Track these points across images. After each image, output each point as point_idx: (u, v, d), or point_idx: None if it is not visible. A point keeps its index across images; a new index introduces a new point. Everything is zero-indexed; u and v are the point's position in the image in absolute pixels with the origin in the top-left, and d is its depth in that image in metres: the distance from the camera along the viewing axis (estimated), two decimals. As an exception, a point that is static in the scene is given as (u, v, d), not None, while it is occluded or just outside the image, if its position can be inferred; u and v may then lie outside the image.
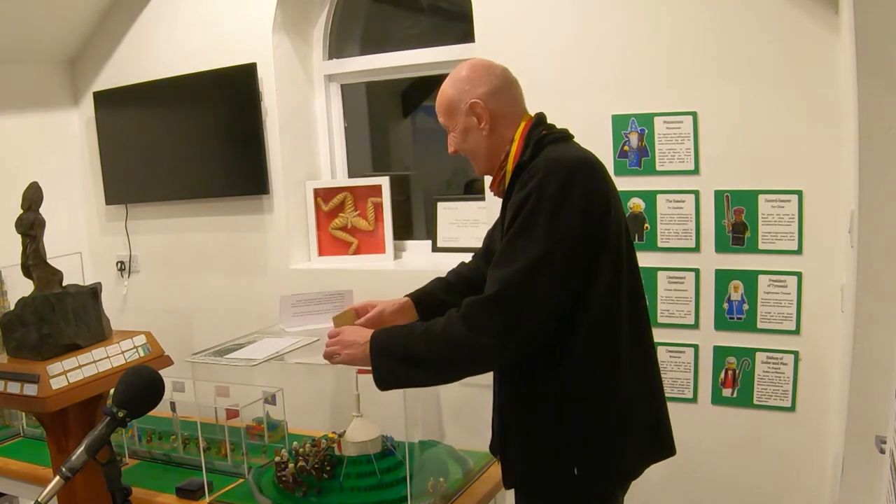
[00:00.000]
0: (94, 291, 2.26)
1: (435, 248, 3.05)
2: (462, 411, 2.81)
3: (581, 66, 2.46)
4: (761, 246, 2.29)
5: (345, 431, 2.20)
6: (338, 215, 3.17)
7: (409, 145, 3.73)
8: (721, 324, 2.37)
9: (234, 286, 3.28)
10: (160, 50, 3.29)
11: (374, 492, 2.09)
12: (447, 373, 1.63)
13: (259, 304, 3.10)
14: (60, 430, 2.12)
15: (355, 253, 3.15)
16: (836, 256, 2.18)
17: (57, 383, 2.04)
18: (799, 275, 2.25)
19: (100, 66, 3.49)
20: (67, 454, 1.39)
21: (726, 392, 2.39)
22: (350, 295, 2.29)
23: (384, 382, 1.63)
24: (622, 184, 2.37)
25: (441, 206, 3.05)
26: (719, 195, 2.33)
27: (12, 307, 2.18)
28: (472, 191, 3.22)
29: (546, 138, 1.62)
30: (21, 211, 2.18)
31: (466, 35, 2.78)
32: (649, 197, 2.42)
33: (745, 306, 2.32)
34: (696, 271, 2.38)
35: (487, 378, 1.76)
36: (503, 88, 1.67)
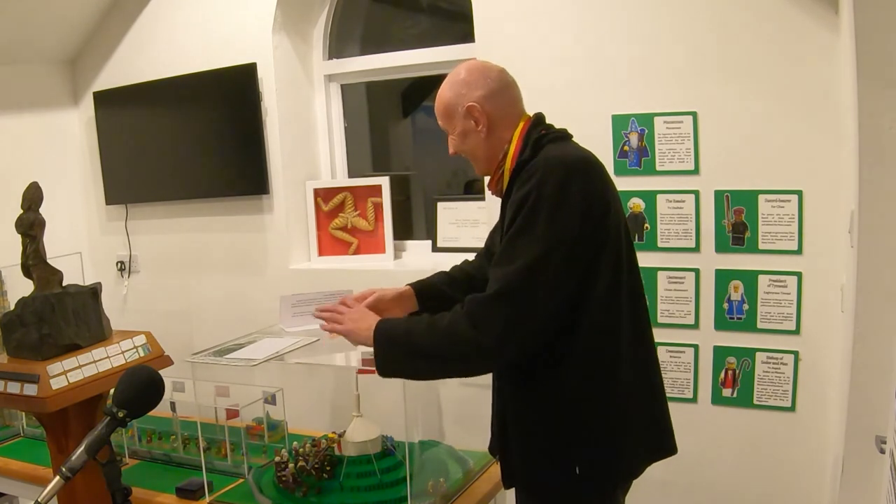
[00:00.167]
0: (94, 291, 2.26)
1: (435, 249, 3.05)
2: (462, 411, 2.81)
3: (581, 66, 2.46)
4: (761, 246, 2.29)
5: (345, 431, 2.20)
6: (338, 215, 3.17)
7: (409, 145, 3.73)
8: (721, 324, 2.37)
9: (234, 286, 3.28)
10: (160, 50, 3.29)
11: (374, 492, 2.09)
12: (448, 367, 1.63)
13: (259, 304, 3.10)
14: (60, 430, 2.12)
15: (355, 253, 3.15)
16: (836, 256, 2.18)
17: (57, 383, 2.04)
18: (799, 275, 2.25)
19: (100, 66, 3.49)
20: (67, 454, 1.39)
21: (726, 392, 2.39)
22: (350, 295, 2.28)
23: (385, 370, 1.64)
24: (622, 184, 2.37)
25: (441, 206, 3.05)
26: (719, 195, 2.33)
27: (12, 307, 2.18)
28: (472, 191, 3.23)
29: (545, 137, 1.63)
30: (21, 211, 2.18)
31: (466, 35, 2.78)
32: (649, 197, 2.42)
33: (745, 306, 2.32)
34: (696, 271, 2.38)
35: (487, 378, 1.76)
36: (500, 90, 1.68)
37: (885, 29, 1.59)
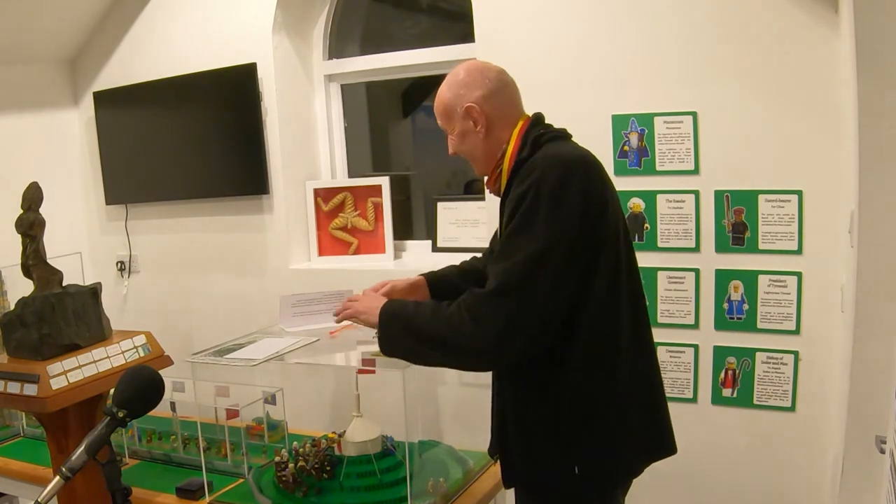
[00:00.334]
0: (94, 291, 2.27)
1: (435, 248, 3.05)
2: (462, 411, 2.81)
3: (581, 66, 2.46)
4: (761, 246, 2.29)
5: (345, 431, 2.20)
6: (338, 215, 3.17)
7: (409, 145, 3.73)
8: (721, 324, 2.37)
9: (234, 286, 3.28)
10: (160, 50, 3.29)
11: (374, 492, 2.09)
12: (446, 356, 1.61)
13: (259, 304, 3.10)
14: (60, 430, 2.13)
15: (355, 253, 3.15)
16: (836, 256, 2.18)
17: (57, 383, 2.04)
18: (799, 275, 2.25)
19: (100, 66, 3.49)
20: (67, 454, 1.39)
21: (726, 392, 2.39)
22: (350, 295, 2.28)
23: (386, 348, 1.67)
24: (622, 184, 2.38)
25: (441, 206, 3.05)
26: (719, 195, 2.33)
27: (12, 307, 2.19)
28: (472, 191, 3.23)
29: (543, 137, 1.63)
30: (21, 211, 2.18)
31: (466, 35, 2.78)
32: (649, 197, 2.42)
33: (745, 306, 2.32)
34: (696, 271, 2.38)
35: (487, 378, 1.77)
36: (498, 91, 1.68)
37: (885, 29, 1.59)
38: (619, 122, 2.43)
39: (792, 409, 2.30)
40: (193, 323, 3.34)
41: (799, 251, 2.25)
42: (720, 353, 2.38)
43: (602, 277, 1.56)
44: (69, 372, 2.09)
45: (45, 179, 2.31)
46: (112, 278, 3.59)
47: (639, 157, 2.42)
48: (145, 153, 3.36)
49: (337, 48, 3.24)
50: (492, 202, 2.58)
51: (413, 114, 3.55)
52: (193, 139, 3.23)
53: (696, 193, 2.36)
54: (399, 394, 1.92)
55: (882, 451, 1.42)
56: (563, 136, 1.68)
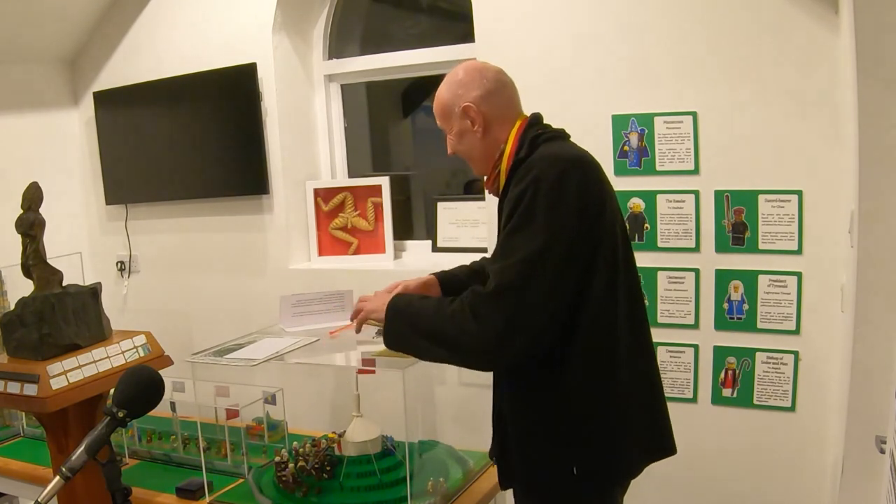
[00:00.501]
0: (94, 291, 2.27)
1: (435, 248, 3.05)
2: (462, 411, 2.81)
3: (581, 66, 2.46)
4: (761, 246, 2.29)
5: (345, 431, 2.20)
6: (338, 215, 3.17)
7: (409, 145, 3.73)
8: (721, 324, 2.37)
9: (234, 286, 3.28)
10: (160, 50, 3.29)
11: (374, 492, 2.09)
12: (447, 353, 1.61)
13: (259, 304, 3.10)
14: (60, 430, 2.13)
15: (355, 253, 3.15)
16: (836, 256, 2.18)
17: (57, 383, 2.04)
18: (799, 275, 2.25)
19: (100, 66, 3.49)
20: (67, 454, 1.39)
21: (726, 392, 2.39)
22: (350, 295, 2.29)
23: (390, 342, 1.68)
24: (622, 184, 2.39)
25: (441, 206, 3.05)
26: (719, 195, 2.33)
27: (12, 307, 2.19)
28: (472, 191, 3.23)
29: (541, 137, 1.63)
30: (21, 211, 2.18)
31: (466, 35, 2.78)
32: (649, 197, 2.42)
33: (745, 306, 2.32)
34: (696, 271, 2.38)
35: (487, 378, 1.76)
36: (496, 91, 1.68)
37: (885, 29, 1.59)
38: (619, 122, 2.43)
39: (792, 409, 2.30)
40: (193, 323, 3.34)
41: (799, 251, 2.25)
42: (720, 353, 2.38)
43: (600, 277, 1.56)
44: (69, 372, 2.09)
45: (45, 179, 2.31)
46: (112, 278, 3.59)
47: (639, 157, 2.42)
48: (145, 153, 3.36)
49: (337, 48, 3.24)
50: (492, 202, 2.58)
51: (413, 114, 3.55)
52: (193, 139, 3.23)
53: (696, 193, 2.36)
54: (399, 394, 1.92)
55: (882, 451, 1.42)
56: (561, 135, 1.68)
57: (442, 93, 1.72)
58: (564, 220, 1.51)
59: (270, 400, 2.40)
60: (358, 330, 1.81)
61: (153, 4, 3.29)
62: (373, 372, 1.98)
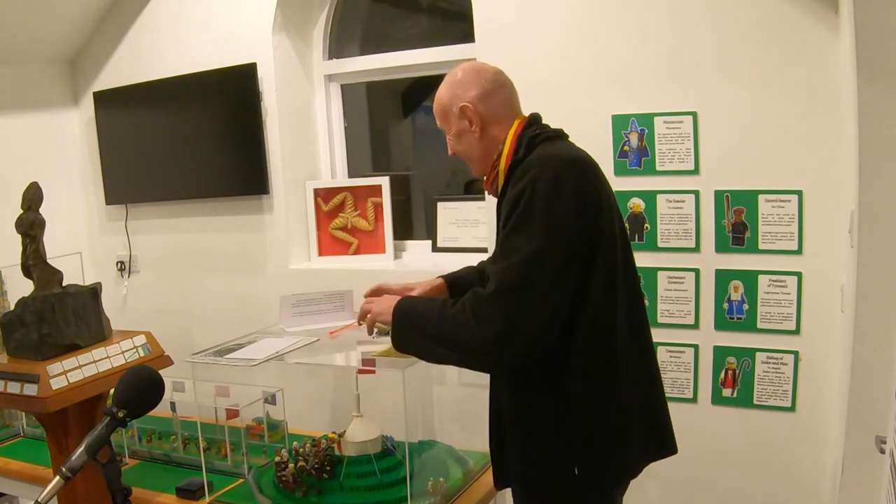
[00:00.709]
0: (94, 291, 2.27)
1: (435, 248, 3.05)
2: (461, 411, 2.81)
3: (581, 66, 2.46)
4: (761, 246, 2.29)
5: (345, 431, 2.20)
6: (338, 215, 3.17)
7: (409, 145, 3.73)
8: (721, 324, 2.37)
9: (234, 286, 3.28)
10: (160, 50, 3.29)
11: (374, 492, 2.09)
12: (451, 354, 1.62)
13: (259, 304, 3.10)
14: (60, 430, 2.12)
15: (355, 253, 3.15)
16: (836, 256, 2.18)
17: (57, 383, 2.04)
18: (799, 275, 2.25)
19: (100, 66, 3.49)
20: (67, 454, 1.39)
21: (726, 392, 2.39)
22: (350, 295, 2.29)
23: (397, 343, 1.69)
24: (622, 184, 2.39)
25: (441, 206, 3.05)
26: (719, 195, 2.33)
27: (12, 307, 2.19)
28: (472, 191, 3.23)
29: (538, 137, 1.63)
30: (21, 211, 2.18)
31: (466, 35, 2.78)
32: (649, 197, 2.42)
33: (745, 306, 2.32)
34: (696, 271, 2.38)
35: (487, 378, 1.76)
36: (494, 91, 1.68)
37: (885, 29, 1.59)
38: (619, 122, 2.43)
39: (792, 409, 2.30)
40: (193, 323, 3.34)
41: (799, 251, 2.25)
42: (720, 353, 2.38)
43: (599, 277, 1.56)
44: (69, 372, 2.09)
45: (45, 179, 2.31)
46: (112, 278, 3.59)
47: (639, 157, 2.42)
48: (145, 153, 3.36)
49: (337, 48, 3.24)
50: (491, 202, 2.58)
51: (413, 114, 3.55)
52: (193, 139, 3.23)
53: (696, 193, 2.36)
54: (399, 394, 1.92)
55: (882, 451, 1.42)
56: (560, 136, 1.69)
57: (441, 93, 1.72)
58: (562, 220, 1.51)
59: (270, 400, 2.40)
60: (370, 332, 1.81)
61: (153, 4, 3.29)
62: (373, 372, 1.98)
